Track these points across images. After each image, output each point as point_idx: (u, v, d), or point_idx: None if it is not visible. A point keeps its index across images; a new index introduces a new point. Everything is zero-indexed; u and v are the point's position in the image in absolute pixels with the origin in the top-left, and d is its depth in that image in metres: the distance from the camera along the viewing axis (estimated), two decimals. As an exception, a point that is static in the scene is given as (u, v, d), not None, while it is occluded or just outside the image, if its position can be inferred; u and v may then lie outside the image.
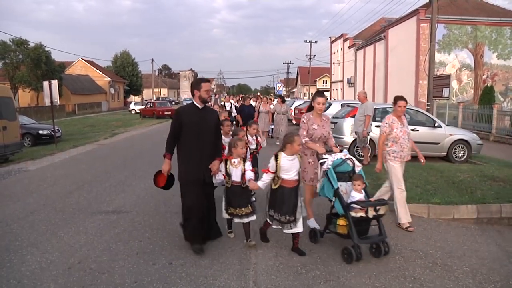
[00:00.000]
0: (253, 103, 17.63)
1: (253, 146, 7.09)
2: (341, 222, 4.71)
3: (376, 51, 36.27)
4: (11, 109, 12.59)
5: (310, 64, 58.49)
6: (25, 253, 4.91)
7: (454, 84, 26.36)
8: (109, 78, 55.37)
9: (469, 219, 6.19)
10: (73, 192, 8.04)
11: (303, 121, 5.57)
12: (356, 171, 5.03)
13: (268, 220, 4.87)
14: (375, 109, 11.31)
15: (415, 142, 11.31)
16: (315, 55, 66.44)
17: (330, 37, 55.06)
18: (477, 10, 27.57)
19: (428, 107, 16.22)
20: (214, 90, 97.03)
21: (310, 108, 5.72)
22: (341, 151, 5.30)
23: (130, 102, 53.92)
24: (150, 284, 4.13)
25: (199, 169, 4.81)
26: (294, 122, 22.54)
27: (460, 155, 11.52)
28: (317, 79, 75.41)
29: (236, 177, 4.93)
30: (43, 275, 4.31)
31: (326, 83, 72.88)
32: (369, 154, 10.68)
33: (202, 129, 4.82)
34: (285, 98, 19.72)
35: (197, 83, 4.91)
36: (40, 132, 17.28)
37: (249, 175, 4.92)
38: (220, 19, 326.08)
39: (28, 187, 8.66)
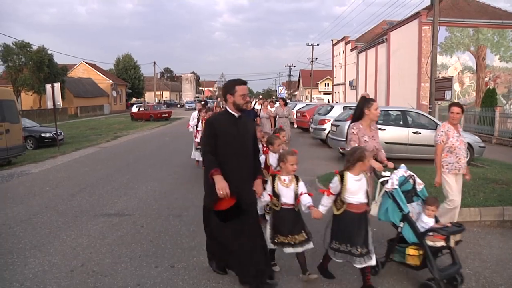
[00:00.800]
0: (258, 107, 16.94)
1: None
2: (411, 251, 4.05)
3: (378, 53, 36.27)
4: (14, 112, 12.64)
5: (312, 67, 58.51)
6: (28, 256, 4.92)
7: (456, 86, 26.32)
8: (111, 81, 55.54)
9: (472, 222, 6.17)
10: (75, 195, 8.05)
11: (353, 133, 4.80)
12: (418, 190, 4.32)
13: (331, 255, 4.02)
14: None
15: (417, 145, 11.46)
16: (317, 58, 66.71)
17: (332, 40, 55.13)
18: (479, 13, 27.55)
19: (430, 110, 16.23)
20: (216, 93, 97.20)
21: (359, 116, 4.92)
22: (395, 168, 4.48)
23: (132, 105, 54.07)
24: (153, 287, 4.13)
25: (239, 192, 3.88)
26: (296, 125, 22.52)
27: (462, 157, 11.48)
28: (319, 82, 75.47)
29: (287, 198, 4.06)
30: (46, 278, 4.32)
31: (328, 85, 72.94)
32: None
33: (241, 142, 3.98)
34: (287, 100, 19.26)
35: (230, 86, 4.01)
36: (43, 135, 17.32)
37: (306, 200, 3.99)
38: (222, 22, 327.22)
39: (30, 189, 8.68)
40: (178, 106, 69.29)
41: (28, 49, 36.80)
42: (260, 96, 22.36)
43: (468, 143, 11.49)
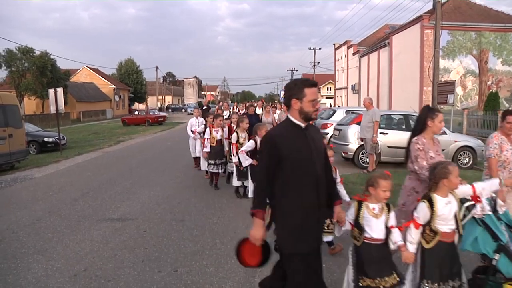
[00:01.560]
0: (259, 111, 16.38)
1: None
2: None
3: (380, 57, 36.31)
4: (17, 117, 12.68)
5: (314, 71, 58.52)
6: (31, 260, 4.92)
7: (458, 90, 26.31)
8: (113, 86, 55.64)
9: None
10: (78, 200, 8.06)
11: (418, 148, 4.13)
12: (500, 213, 3.58)
13: None
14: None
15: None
16: (319, 62, 66.73)
17: (334, 44, 55.22)
18: (481, 16, 27.56)
19: (433, 114, 16.17)
20: (219, 98, 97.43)
21: (421, 129, 4.28)
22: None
23: (135, 110, 54.19)
24: (156, 291, 4.13)
25: (318, 229, 3.10)
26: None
27: (465, 161, 11.47)
28: (322, 86, 75.45)
29: (375, 231, 3.24)
30: (49, 283, 4.32)
31: (330, 90, 72.95)
32: (374, 161, 10.66)
33: (314, 162, 2.97)
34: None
35: (297, 88, 2.98)
36: (46, 139, 17.36)
37: (397, 237, 3.26)
38: (224, 26, 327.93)
39: (33, 194, 8.70)
40: (183, 110, 69.16)
41: (31, 54, 36.93)
42: (262, 100, 21.68)
43: (471, 147, 11.51)
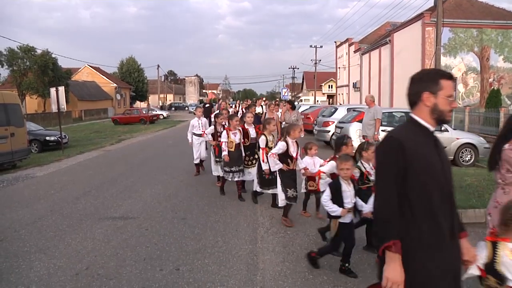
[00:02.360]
0: (258, 109, 15.44)
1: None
2: None
3: (381, 55, 36.22)
4: (18, 116, 12.70)
5: (315, 68, 58.46)
6: (33, 259, 4.94)
7: (460, 87, 26.26)
8: (115, 84, 55.69)
9: (477, 224, 6.14)
10: (80, 198, 8.07)
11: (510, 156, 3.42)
12: None
13: None
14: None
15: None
16: (320, 60, 66.72)
17: (335, 42, 55.10)
18: (483, 13, 27.47)
19: (435, 111, 16.15)
20: (220, 96, 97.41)
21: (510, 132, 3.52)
22: None
23: (134, 110, 54.19)
24: (158, 290, 4.13)
25: (456, 252, 2.32)
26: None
27: (467, 158, 11.45)
28: (323, 84, 75.38)
29: None
30: (51, 281, 4.33)
31: (331, 87, 72.86)
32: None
33: (446, 177, 2.30)
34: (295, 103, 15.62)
35: (430, 79, 2.36)
36: (47, 138, 17.39)
37: None
38: (225, 25, 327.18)
39: (35, 193, 8.71)
40: (186, 108, 68.97)
41: (32, 53, 36.96)
42: (264, 98, 20.82)
43: (473, 144, 11.49)
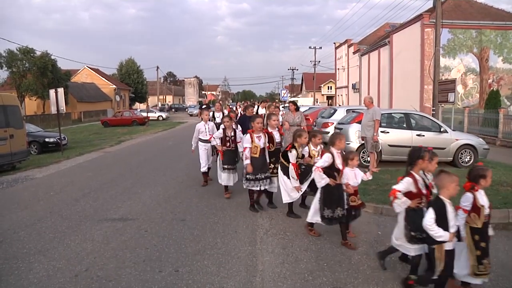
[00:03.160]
0: (262, 111, 13.70)
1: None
2: None
3: (380, 56, 36.27)
4: (18, 117, 12.69)
5: (314, 70, 58.53)
6: (33, 261, 4.93)
7: (459, 88, 26.27)
8: (114, 86, 55.69)
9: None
10: (79, 200, 8.07)
11: None
12: None
13: None
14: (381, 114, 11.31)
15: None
16: (319, 61, 66.78)
17: (334, 43, 55.21)
18: (482, 14, 27.51)
19: (434, 112, 16.18)
20: (219, 97, 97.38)
21: None
22: None
23: (135, 110, 54.20)
24: (157, 291, 4.13)
25: None
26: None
27: (466, 160, 11.45)
28: (322, 85, 75.42)
29: None
30: (50, 283, 4.32)
31: (331, 89, 72.89)
32: (375, 160, 10.65)
33: None
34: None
35: None
36: (47, 140, 17.38)
37: None
38: (224, 26, 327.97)
39: (35, 194, 8.71)
40: (186, 110, 68.93)
41: (31, 54, 36.96)
42: (267, 100, 20.15)
43: (472, 145, 11.48)
